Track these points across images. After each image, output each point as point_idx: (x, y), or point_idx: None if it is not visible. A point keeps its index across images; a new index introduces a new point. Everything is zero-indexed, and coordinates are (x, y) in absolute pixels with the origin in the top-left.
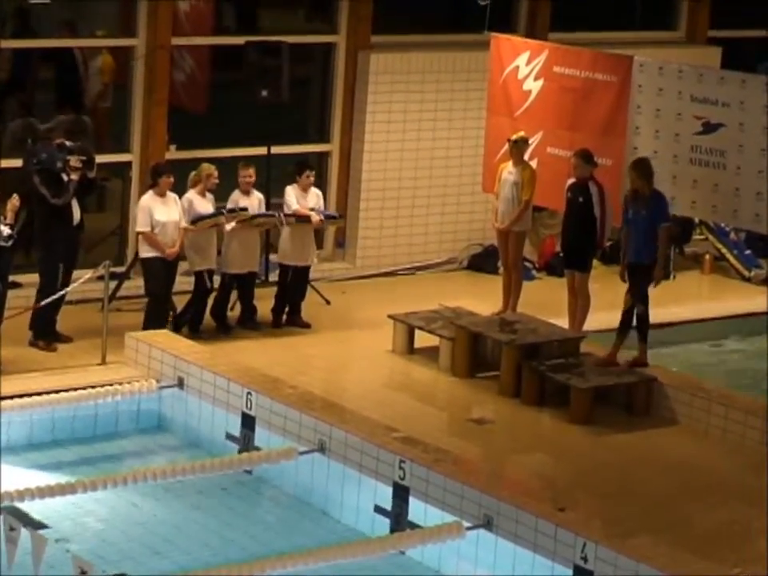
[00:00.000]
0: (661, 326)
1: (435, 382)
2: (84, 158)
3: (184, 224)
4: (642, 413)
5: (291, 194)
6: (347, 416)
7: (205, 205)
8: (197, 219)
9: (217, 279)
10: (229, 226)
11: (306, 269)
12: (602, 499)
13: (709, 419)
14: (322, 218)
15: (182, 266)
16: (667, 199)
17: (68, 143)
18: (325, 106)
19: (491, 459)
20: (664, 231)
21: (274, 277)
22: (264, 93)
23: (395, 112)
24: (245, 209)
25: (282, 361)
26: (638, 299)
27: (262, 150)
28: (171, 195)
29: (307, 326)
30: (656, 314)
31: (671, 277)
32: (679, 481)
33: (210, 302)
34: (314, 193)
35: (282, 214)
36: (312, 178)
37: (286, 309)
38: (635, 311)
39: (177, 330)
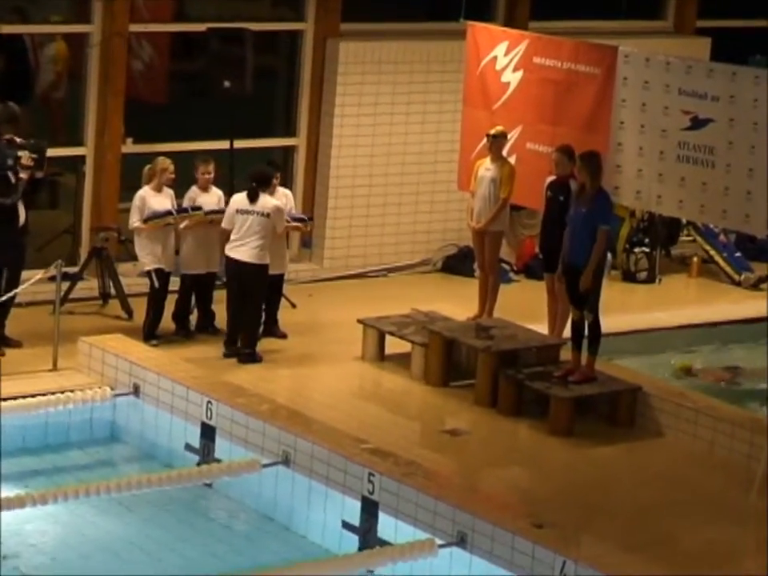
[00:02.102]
0: (645, 332)
1: (407, 390)
2: (35, 155)
3: (136, 222)
4: (625, 424)
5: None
6: (313, 426)
7: (161, 201)
8: (150, 217)
9: (177, 281)
10: (183, 225)
11: (280, 277)
12: (582, 515)
13: (695, 431)
14: (296, 223)
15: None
16: (611, 199)
17: (18, 140)
18: (291, 98)
19: (466, 473)
20: (602, 234)
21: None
22: (226, 84)
23: (366, 104)
24: (198, 208)
25: (245, 367)
26: (578, 306)
27: (224, 144)
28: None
29: (284, 336)
30: (639, 320)
31: (657, 281)
32: (663, 496)
33: (172, 305)
34: (282, 193)
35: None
36: (277, 180)
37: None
38: (586, 321)
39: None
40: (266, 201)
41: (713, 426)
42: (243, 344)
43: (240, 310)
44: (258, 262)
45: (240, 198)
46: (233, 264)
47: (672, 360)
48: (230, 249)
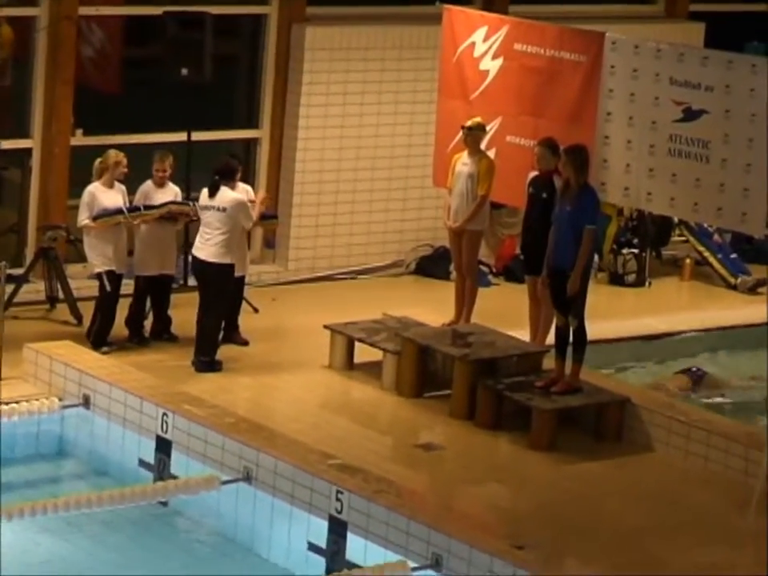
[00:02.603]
0: (634, 339)
1: (378, 401)
2: None
3: (85, 220)
4: (612, 438)
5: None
6: (277, 440)
7: (112, 198)
8: (100, 215)
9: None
10: (136, 222)
11: (241, 279)
12: (565, 536)
13: (688, 446)
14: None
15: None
16: (598, 197)
17: None
18: (253, 87)
19: (441, 490)
20: (587, 235)
21: (193, 281)
22: (184, 71)
23: (334, 94)
24: (150, 207)
25: (203, 377)
26: (562, 311)
27: (181, 137)
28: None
29: (245, 343)
30: (628, 327)
31: (646, 284)
32: (652, 516)
33: (124, 310)
34: (242, 189)
35: (197, 204)
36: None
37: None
38: (570, 327)
39: (97, 345)
40: (224, 195)
41: (706, 440)
42: (201, 351)
43: (205, 314)
44: (216, 260)
45: (203, 193)
46: (195, 264)
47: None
48: (194, 248)
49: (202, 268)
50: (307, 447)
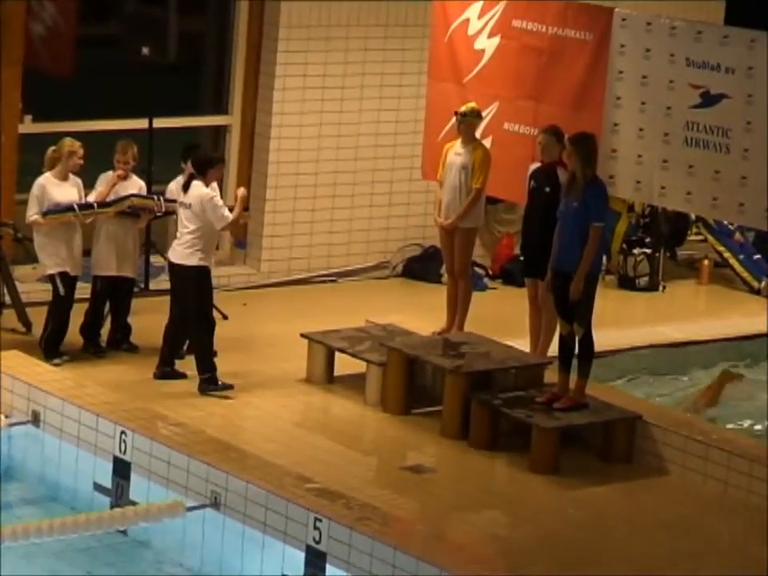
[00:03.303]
0: (645, 349)
1: (360, 419)
2: None
3: (34, 215)
4: (622, 460)
5: (174, 189)
6: (248, 462)
7: (65, 192)
8: (51, 210)
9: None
10: (88, 220)
11: None
12: (569, 568)
13: (706, 469)
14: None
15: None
16: (607, 190)
17: None
18: (222, 69)
19: (431, 518)
20: (594, 233)
21: (156, 285)
22: (145, 51)
23: (312, 76)
24: (106, 203)
25: (167, 392)
26: (567, 318)
27: (142, 124)
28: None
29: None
30: (639, 335)
31: (660, 288)
32: (667, 547)
33: (79, 317)
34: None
35: (162, 198)
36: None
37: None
38: (575, 336)
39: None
40: (192, 190)
41: (726, 462)
42: (198, 369)
43: (179, 321)
44: (182, 262)
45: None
46: (168, 267)
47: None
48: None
49: (172, 271)
50: (282, 470)
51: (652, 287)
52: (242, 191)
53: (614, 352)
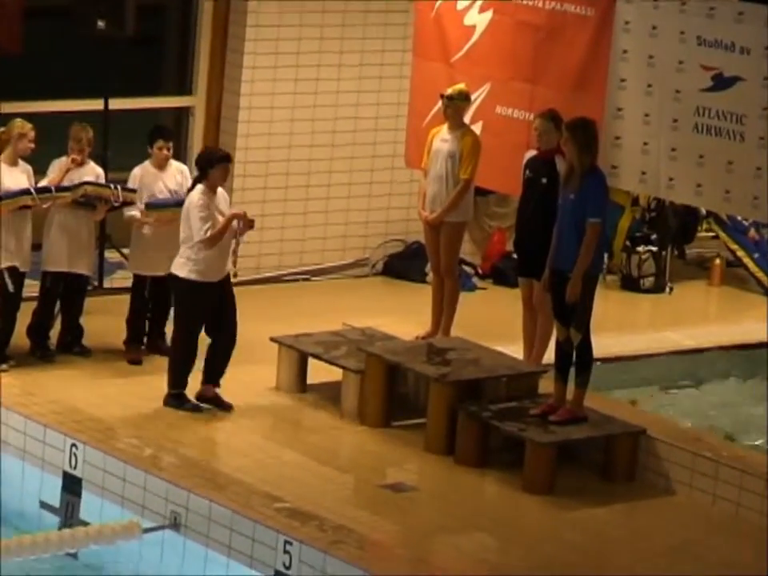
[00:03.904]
0: (651, 357)
1: (336, 432)
2: None
3: None
4: (624, 478)
5: (138, 175)
6: (211, 479)
7: (15, 177)
8: (2, 197)
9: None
10: (46, 205)
11: (165, 279)
12: None
13: (716, 488)
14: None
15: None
16: (606, 183)
17: None
18: (186, 44)
19: (413, 541)
20: (591, 229)
21: (110, 282)
22: (101, 24)
23: (284, 53)
24: (64, 188)
25: (122, 401)
26: (564, 322)
27: (97, 104)
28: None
29: None
30: (643, 342)
31: (667, 290)
32: (672, 573)
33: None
34: (176, 169)
35: (120, 187)
36: (168, 151)
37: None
38: (573, 342)
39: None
40: (190, 194)
41: (738, 481)
42: (168, 382)
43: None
44: (174, 271)
45: None
46: None
47: None
48: None
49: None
50: (249, 488)
51: (658, 288)
52: (238, 213)
53: (615, 360)
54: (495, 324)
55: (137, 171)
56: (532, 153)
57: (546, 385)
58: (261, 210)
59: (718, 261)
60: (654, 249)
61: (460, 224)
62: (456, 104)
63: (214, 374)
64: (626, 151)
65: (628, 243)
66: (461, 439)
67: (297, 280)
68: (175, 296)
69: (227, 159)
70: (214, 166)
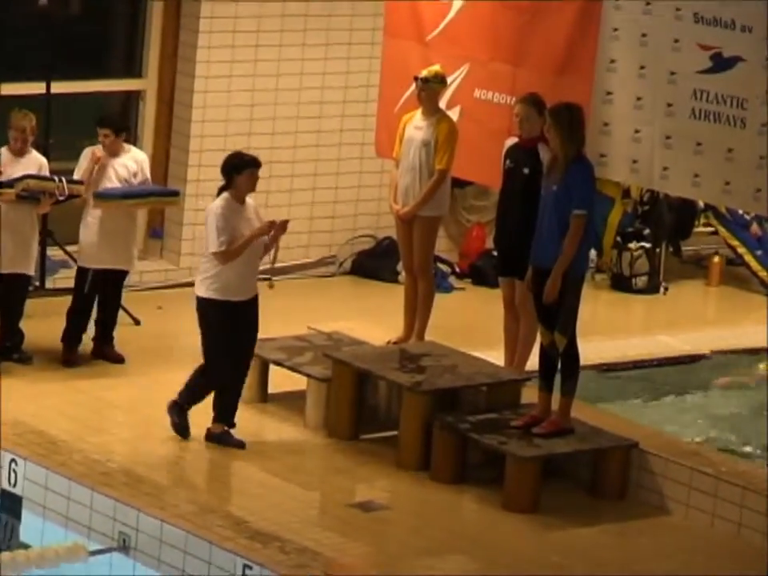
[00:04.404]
0: (643, 363)
1: (300, 445)
2: None
3: None
4: (614, 496)
5: (87, 156)
6: (163, 497)
7: None
8: None
9: None
10: None
11: (120, 275)
12: None
13: (715, 507)
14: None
15: None
16: (593, 173)
17: None
18: (135, 23)
19: (384, 565)
20: (576, 222)
21: (53, 283)
22: (43, 0)
23: (243, 32)
24: (6, 183)
25: (66, 412)
26: (549, 326)
27: (38, 88)
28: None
29: (121, 359)
30: (635, 347)
31: (661, 290)
32: None
33: None
34: (131, 157)
35: (64, 180)
36: (108, 138)
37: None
38: (558, 347)
39: None
40: (215, 201)
41: (740, 499)
42: (215, 415)
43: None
44: (196, 291)
45: None
46: None
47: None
48: None
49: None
50: (205, 506)
51: (651, 289)
52: (264, 228)
53: (605, 366)
54: (474, 328)
55: (87, 151)
56: (513, 141)
57: (530, 394)
58: None
59: (716, 258)
60: (647, 245)
61: (435, 218)
62: (431, 87)
63: (224, 411)
64: (616, 139)
65: (619, 239)
66: (436, 453)
67: (258, 280)
68: (199, 321)
69: (255, 164)
70: (240, 171)
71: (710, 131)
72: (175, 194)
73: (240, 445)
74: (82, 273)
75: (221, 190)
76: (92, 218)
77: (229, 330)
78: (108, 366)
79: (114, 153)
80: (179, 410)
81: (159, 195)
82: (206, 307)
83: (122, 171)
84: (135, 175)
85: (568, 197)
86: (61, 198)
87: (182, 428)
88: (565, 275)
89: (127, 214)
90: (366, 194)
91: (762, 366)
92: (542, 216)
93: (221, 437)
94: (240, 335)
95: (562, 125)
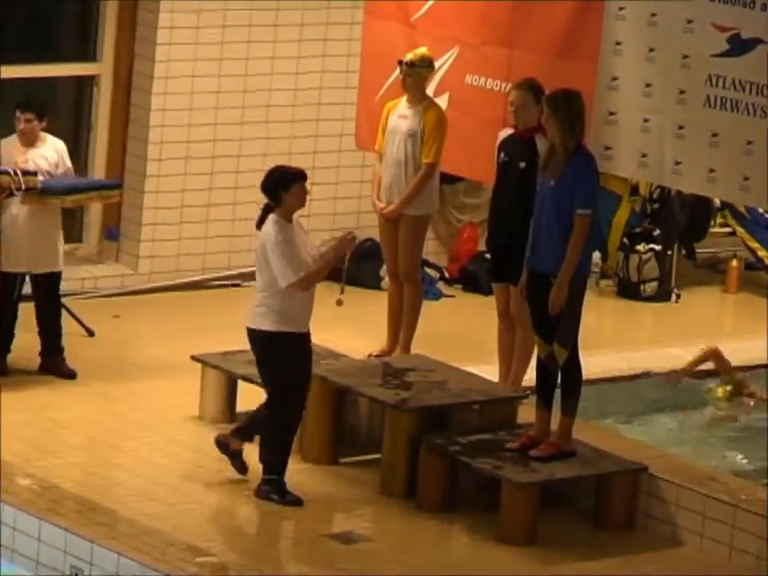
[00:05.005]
0: (650, 377)
1: None
2: None
3: None
4: (620, 526)
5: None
6: (120, 527)
7: None
8: None
9: None
10: None
11: (54, 278)
12: None
13: (733, 538)
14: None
15: None
16: (596, 164)
17: None
18: (88, 1)
19: None
20: (579, 222)
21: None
22: None
23: (209, 11)
24: None
25: (12, 433)
26: (547, 337)
27: None
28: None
29: (72, 374)
30: (645, 360)
31: (673, 297)
32: None
33: None
34: (51, 147)
35: (20, 172)
36: (27, 124)
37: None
38: (557, 361)
39: None
40: (263, 228)
41: (759, 529)
42: (262, 464)
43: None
44: (253, 326)
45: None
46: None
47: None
48: None
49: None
50: (166, 537)
51: (662, 296)
52: (341, 246)
53: (610, 381)
54: (465, 339)
55: (4, 143)
56: (508, 131)
57: (527, 413)
58: (180, 201)
59: (734, 262)
60: (657, 248)
61: (422, 218)
62: (417, 72)
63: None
64: (623, 129)
65: (626, 241)
66: (423, 479)
67: (225, 286)
68: (262, 356)
69: (303, 177)
70: (287, 188)
71: (727, 121)
72: (117, 186)
73: (298, 502)
74: (10, 282)
75: (266, 211)
76: (11, 217)
77: (300, 360)
78: (58, 381)
79: (31, 142)
80: (277, 488)
81: (100, 189)
82: (274, 342)
83: (41, 163)
84: (57, 166)
85: (568, 192)
86: (15, 194)
87: (295, 501)
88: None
89: (52, 210)
90: (345, 191)
91: (720, 390)
92: (539, 214)
93: (272, 490)
94: (306, 366)
95: (562, 114)
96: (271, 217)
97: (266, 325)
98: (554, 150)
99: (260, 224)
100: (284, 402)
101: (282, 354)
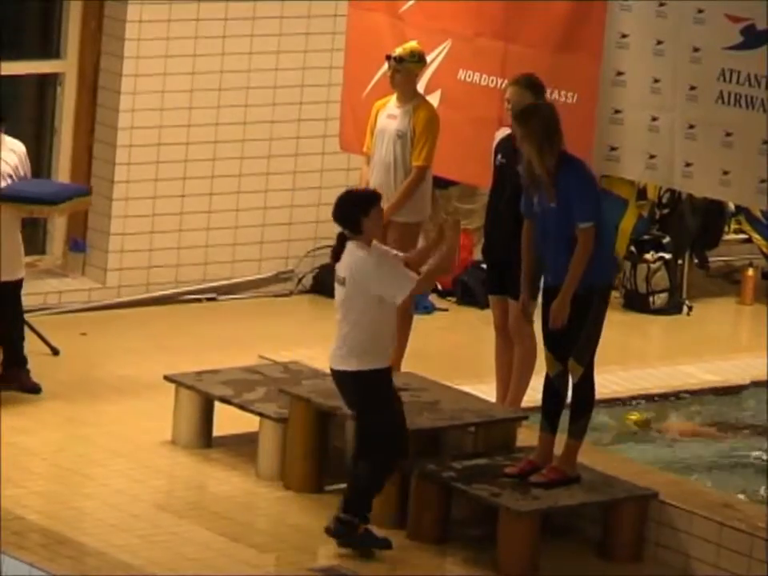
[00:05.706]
0: (664, 397)
1: (251, 499)
2: None
3: None
4: (628, 557)
5: None
6: (88, 561)
7: None
8: None
9: None
10: None
11: (16, 285)
12: None
13: (750, 569)
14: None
15: None
16: (585, 168)
17: None
18: None
19: None
20: (583, 236)
21: None
22: None
23: (181, 2)
24: None
25: None
26: (559, 353)
27: None
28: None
29: (35, 389)
30: (655, 377)
31: (684, 309)
32: None
33: None
34: (8, 149)
35: None
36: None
37: None
38: (569, 378)
39: None
40: (345, 256)
41: None
42: (343, 504)
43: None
44: (340, 367)
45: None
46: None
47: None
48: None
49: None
50: (137, 571)
51: (673, 308)
52: (448, 223)
53: (618, 402)
54: (459, 355)
55: None
56: (505, 132)
57: (526, 435)
58: (151, 209)
59: (750, 271)
60: (667, 256)
61: (413, 225)
62: (406, 67)
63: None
64: (630, 129)
65: (633, 249)
66: (415, 507)
67: (199, 300)
68: (358, 397)
69: (378, 198)
70: (367, 213)
71: (741, 119)
72: (85, 192)
73: (387, 545)
74: None
75: (341, 240)
76: None
77: (392, 398)
78: (21, 402)
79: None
80: (349, 530)
81: (75, 196)
82: (363, 380)
83: (2, 167)
84: (17, 169)
85: (567, 211)
86: None
87: (384, 544)
88: (586, 291)
89: (13, 215)
90: (330, 197)
91: (632, 416)
92: (542, 238)
93: (363, 538)
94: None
95: (535, 132)
96: (352, 244)
97: (364, 364)
98: (534, 174)
99: (337, 256)
100: (375, 447)
101: (374, 393)
